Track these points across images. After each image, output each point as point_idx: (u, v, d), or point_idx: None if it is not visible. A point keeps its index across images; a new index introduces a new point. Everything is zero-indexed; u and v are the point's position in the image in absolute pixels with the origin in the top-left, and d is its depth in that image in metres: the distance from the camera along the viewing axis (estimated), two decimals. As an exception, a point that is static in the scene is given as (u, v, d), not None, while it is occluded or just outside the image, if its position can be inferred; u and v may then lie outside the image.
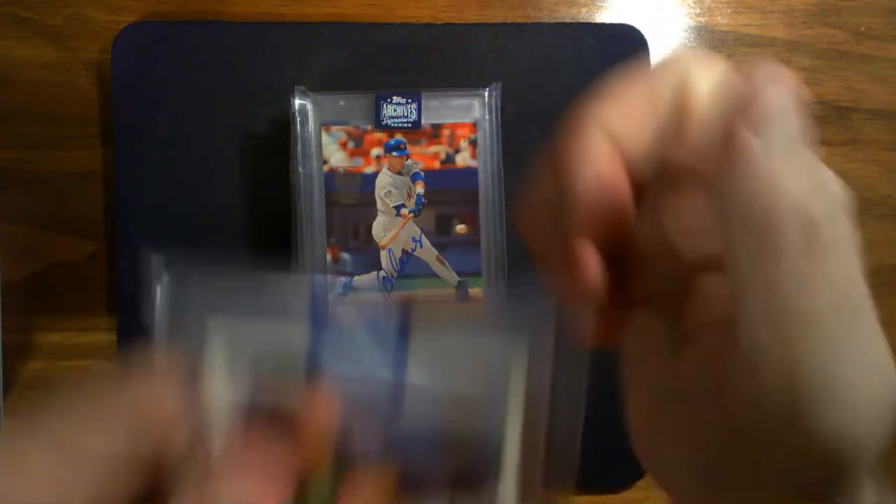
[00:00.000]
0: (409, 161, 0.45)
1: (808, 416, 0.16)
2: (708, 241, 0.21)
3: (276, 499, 0.18)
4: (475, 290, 0.42)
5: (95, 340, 0.46)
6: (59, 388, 0.20)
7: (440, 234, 0.44)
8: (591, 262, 0.20)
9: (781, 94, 0.17)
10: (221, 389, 0.18)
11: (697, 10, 0.48)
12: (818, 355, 0.16)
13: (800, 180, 0.17)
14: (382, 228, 0.44)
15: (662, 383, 0.21)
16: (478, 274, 0.44)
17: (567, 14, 0.47)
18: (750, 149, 0.17)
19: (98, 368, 0.20)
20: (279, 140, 0.44)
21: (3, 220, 0.46)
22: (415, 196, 0.45)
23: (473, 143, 0.45)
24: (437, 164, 0.45)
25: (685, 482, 0.21)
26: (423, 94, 0.44)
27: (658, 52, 0.47)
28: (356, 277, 0.40)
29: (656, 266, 0.21)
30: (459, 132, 0.45)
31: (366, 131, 0.45)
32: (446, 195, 0.45)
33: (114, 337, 0.45)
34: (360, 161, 0.45)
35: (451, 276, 0.43)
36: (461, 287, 0.43)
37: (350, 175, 0.44)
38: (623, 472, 0.47)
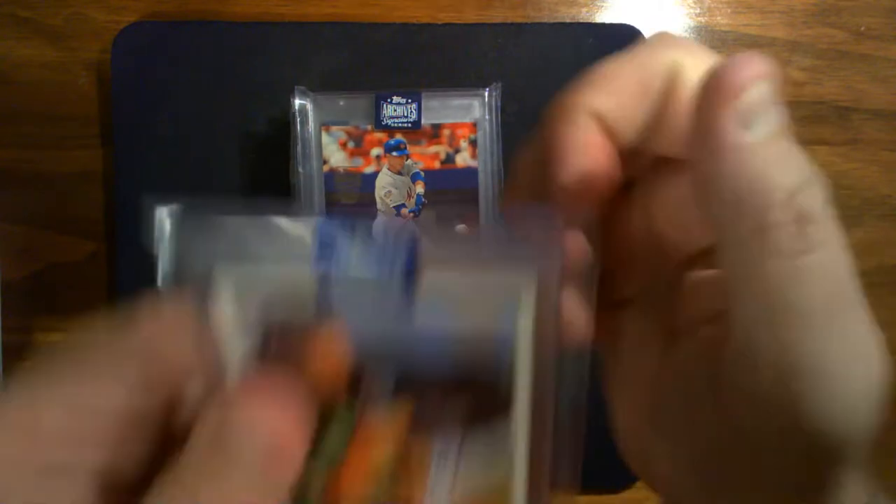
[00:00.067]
0: (409, 161, 0.45)
1: (801, 407, 0.16)
2: (698, 234, 0.21)
3: (301, 431, 0.17)
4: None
5: (95, 340, 0.46)
6: (70, 337, 0.20)
7: (440, 234, 0.44)
8: (577, 245, 0.19)
9: (765, 86, 0.17)
10: (232, 337, 0.18)
11: (697, 10, 0.48)
12: (811, 348, 0.16)
13: (789, 175, 0.17)
14: (382, 228, 0.44)
15: (654, 382, 0.21)
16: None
17: (567, 14, 0.47)
18: (738, 144, 0.17)
19: (108, 316, 0.20)
20: (279, 140, 0.44)
21: (3, 220, 0.46)
22: (415, 196, 0.45)
23: (473, 143, 0.45)
24: (437, 164, 0.45)
25: (683, 482, 0.20)
26: (423, 94, 0.44)
27: (658, 52, 0.47)
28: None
29: (645, 261, 0.21)
30: (459, 132, 0.45)
31: (366, 131, 0.45)
32: (446, 195, 0.45)
33: (114, 337, 0.45)
34: (360, 161, 0.45)
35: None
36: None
37: (350, 175, 0.44)
38: (623, 472, 0.46)
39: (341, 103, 0.45)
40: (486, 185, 0.45)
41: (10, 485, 0.18)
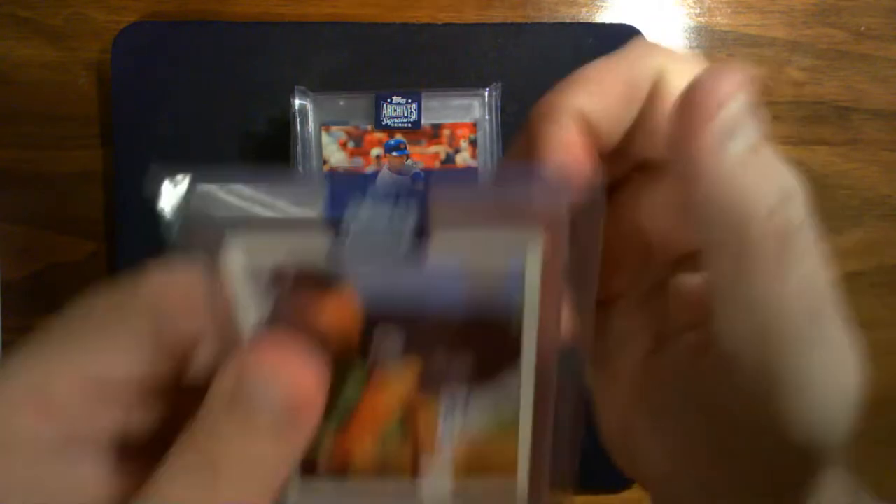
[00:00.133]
0: (409, 161, 0.45)
1: (782, 417, 0.17)
2: (685, 237, 0.21)
3: (318, 386, 0.18)
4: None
5: (95, 340, 0.46)
6: (81, 299, 0.19)
7: (440, 234, 0.44)
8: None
9: (742, 99, 0.17)
10: (244, 300, 0.18)
11: (697, 10, 0.48)
12: (792, 362, 0.17)
13: (770, 188, 0.17)
14: (382, 228, 0.44)
15: (638, 382, 0.21)
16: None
17: (567, 14, 0.47)
18: (717, 161, 0.17)
19: (118, 280, 0.20)
20: (279, 140, 0.44)
21: (3, 220, 0.46)
22: (415, 196, 0.45)
23: (473, 143, 0.45)
24: (437, 164, 0.45)
25: (666, 478, 0.21)
26: (423, 94, 0.44)
27: (658, 52, 0.47)
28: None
29: (631, 261, 0.21)
30: (459, 132, 0.45)
31: (366, 131, 0.45)
32: (446, 195, 0.45)
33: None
34: (360, 161, 0.45)
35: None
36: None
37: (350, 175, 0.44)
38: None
39: (341, 103, 0.45)
40: (486, 185, 0.45)
41: (25, 459, 0.18)
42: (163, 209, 0.16)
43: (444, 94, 0.45)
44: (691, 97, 0.17)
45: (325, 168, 0.44)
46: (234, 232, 0.17)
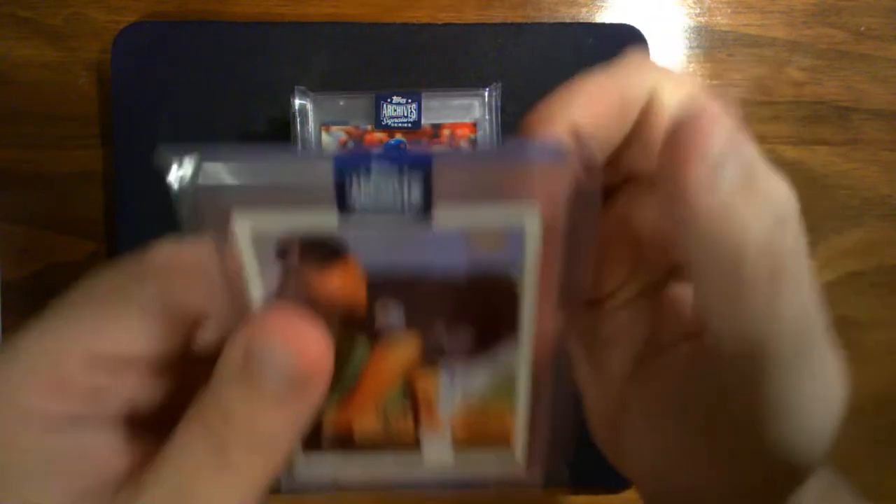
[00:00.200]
0: (409, 161, 0.45)
1: (768, 437, 0.18)
2: (676, 250, 0.21)
3: (325, 356, 0.18)
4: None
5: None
6: (89, 276, 0.20)
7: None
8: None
9: (728, 132, 0.17)
10: (251, 276, 0.18)
11: (697, 10, 0.48)
12: (780, 388, 0.18)
13: (763, 216, 0.17)
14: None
15: (628, 383, 0.22)
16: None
17: (567, 14, 0.47)
18: (707, 197, 0.17)
19: (126, 258, 0.20)
20: (279, 140, 0.44)
21: (3, 220, 0.46)
22: (415, 196, 0.45)
23: (473, 143, 0.45)
24: (437, 164, 0.45)
25: (650, 472, 0.22)
26: (423, 94, 0.44)
27: (658, 52, 0.47)
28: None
29: (623, 263, 0.22)
30: (459, 132, 0.45)
31: (366, 131, 0.45)
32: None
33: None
34: (360, 161, 0.45)
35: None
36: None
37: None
38: (623, 472, 0.46)
39: (341, 103, 0.45)
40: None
41: (37, 432, 0.18)
42: (171, 186, 0.17)
43: (444, 94, 0.45)
44: (679, 132, 0.17)
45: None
46: (240, 207, 0.17)
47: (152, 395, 0.20)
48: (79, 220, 0.46)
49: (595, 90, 0.19)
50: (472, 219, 0.17)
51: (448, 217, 0.17)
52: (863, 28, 0.48)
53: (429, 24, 0.46)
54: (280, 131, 0.45)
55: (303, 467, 0.21)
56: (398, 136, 0.45)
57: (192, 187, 0.17)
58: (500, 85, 0.45)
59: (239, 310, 0.18)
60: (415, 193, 0.17)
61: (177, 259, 0.20)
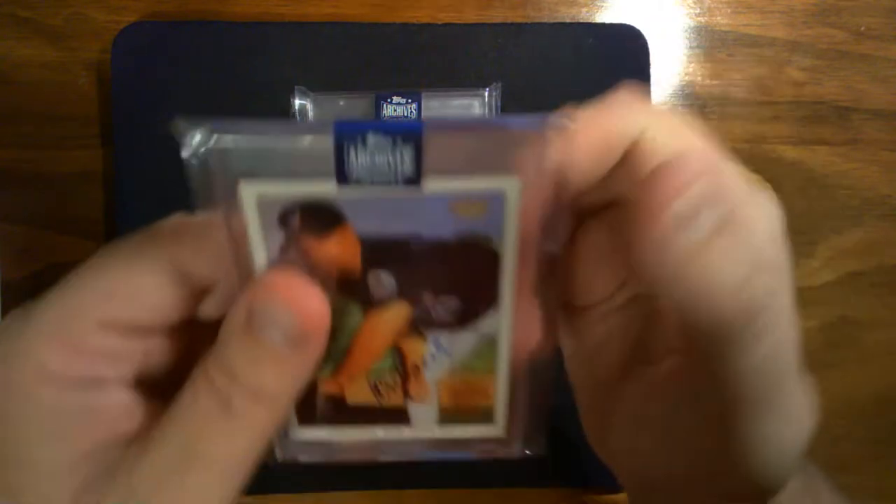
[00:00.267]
0: (409, 161, 0.45)
1: (736, 460, 0.19)
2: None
3: (324, 317, 0.19)
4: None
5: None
6: (105, 246, 0.21)
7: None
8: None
9: (703, 184, 0.18)
10: (256, 243, 0.19)
11: (697, 10, 0.48)
12: (752, 428, 0.19)
13: (736, 264, 0.18)
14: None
15: (615, 387, 0.22)
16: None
17: (567, 14, 0.47)
18: (679, 251, 0.17)
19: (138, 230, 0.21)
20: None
21: (3, 220, 0.46)
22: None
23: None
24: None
25: (632, 469, 0.23)
26: (423, 94, 0.44)
27: (658, 52, 0.47)
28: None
29: (608, 274, 0.22)
30: (459, 132, 0.45)
31: (366, 131, 0.44)
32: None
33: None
34: (360, 161, 0.45)
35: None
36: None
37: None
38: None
39: (341, 103, 0.45)
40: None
41: (53, 389, 0.19)
42: (183, 154, 0.18)
43: (444, 94, 0.45)
44: (654, 183, 0.18)
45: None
46: (247, 174, 0.18)
47: (162, 359, 0.21)
48: (79, 220, 0.46)
49: (579, 129, 0.20)
50: (457, 186, 0.18)
51: (436, 184, 0.18)
52: (863, 28, 0.48)
53: (429, 24, 0.46)
54: (280, 131, 0.45)
55: (297, 437, 0.22)
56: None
57: (203, 156, 0.18)
58: (500, 85, 0.45)
59: (244, 276, 0.19)
60: (407, 161, 0.18)
61: (186, 229, 0.21)
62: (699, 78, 0.48)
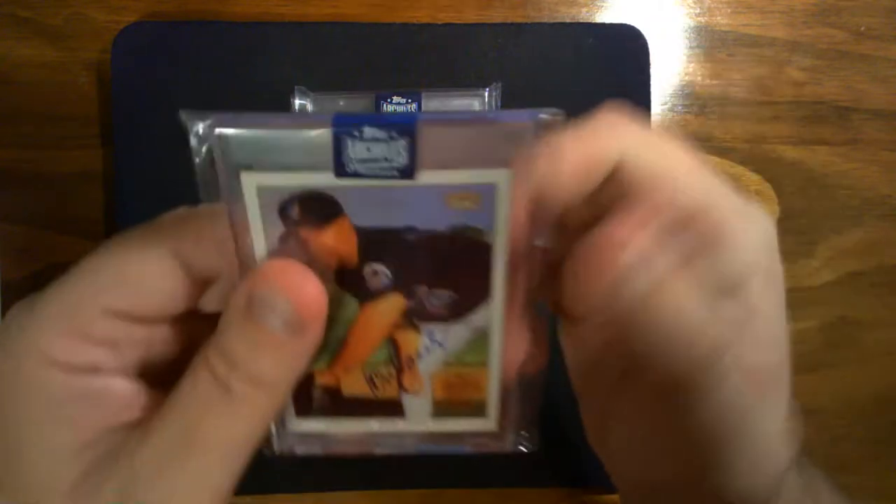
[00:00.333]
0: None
1: (719, 485, 0.20)
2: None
3: (321, 305, 0.19)
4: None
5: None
6: (109, 239, 0.21)
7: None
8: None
9: (643, 239, 0.18)
10: (257, 234, 0.20)
11: (697, 10, 0.48)
12: (722, 455, 0.19)
13: (700, 303, 0.18)
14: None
15: (609, 393, 0.23)
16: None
17: (567, 14, 0.47)
18: (621, 302, 0.18)
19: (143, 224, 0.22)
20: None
21: (3, 220, 0.46)
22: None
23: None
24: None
25: (638, 474, 0.23)
26: (423, 94, 0.44)
27: (658, 52, 0.47)
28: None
29: (600, 286, 0.22)
30: (459, 132, 0.45)
31: (366, 131, 0.44)
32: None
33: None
34: (360, 161, 0.45)
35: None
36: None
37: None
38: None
39: (341, 103, 0.45)
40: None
41: (61, 379, 0.20)
42: (191, 144, 0.19)
43: (444, 94, 0.45)
44: (595, 242, 0.19)
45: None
46: (248, 168, 0.19)
47: (164, 349, 0.22)
48: (79, 220, 0.46)
49: (563, 153, 0.20)
50: (450, 178, 0.19)
51: (430, 176, 0.19)
52: (863, 28, 0.48)
53: (429, 24, 0.46)
54: (280, 131, 0.45)
55: (294, 428, 0.23)
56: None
57: (207, 146, 0.19)
58: (500, 85, 0.45)
59: (244, 265, 0.20)
60: (401, 153, 0.18)
61: (189, 221, 0.21)
62: (699, 78, 0.48)
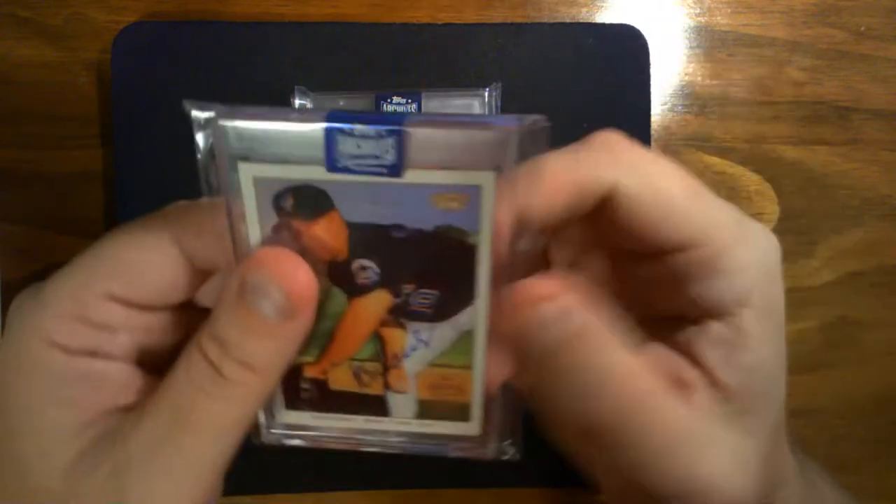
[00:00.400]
0: (409, 161, 0.45)
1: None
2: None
3: (312, 293, 0.20)
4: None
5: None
6: (112, 230, 0.23)
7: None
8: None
9: (559, 303, 0.20)
10: (252, 225, 0.20)
11: (697, 10, 0.48)
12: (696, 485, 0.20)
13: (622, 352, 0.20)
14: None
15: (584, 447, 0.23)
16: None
17: (567, 14, 0.47)
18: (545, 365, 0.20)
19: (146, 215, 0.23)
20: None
21: (3, 220, 0.46)
22: (415, 196, 0.45)
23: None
24: (437, 164, 0.45)
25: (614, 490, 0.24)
26: (423, 94, 0.44)
27: (658, 52, 0.47)
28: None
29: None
30: (459, 132, 0.45)
31: (366, 131, 0.45)
32: (446, 195, 0.45)
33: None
34: (360, 161, 0.45)
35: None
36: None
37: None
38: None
39: (341, 103, 0.45)
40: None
41: (61, 361, 0.20)
42: (194, 136, 0.19)
43: (444, 94, 0.45)
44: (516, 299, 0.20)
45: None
46: (245, 159, 0.20)
47: (162, 337, 0.22)
48: (79, 220, 0.46)
49: (553, 176, 0.21)
50: (437, 179, 0.19)
51: (417, 175, 0.19)
52: (863, 28, 0.48)
53: (429, 24, 0.46)
54: (280, 131, 0.45)
55: (282, 419, 0.23)
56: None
57: (207, 137, 0.19)
58: (500, 85, 0.45)
59: (240, 254, 0.21)
60: (390, 152, 0.19)
61: (190, 213, 0.22)
62: (699, 78, 0.48)
